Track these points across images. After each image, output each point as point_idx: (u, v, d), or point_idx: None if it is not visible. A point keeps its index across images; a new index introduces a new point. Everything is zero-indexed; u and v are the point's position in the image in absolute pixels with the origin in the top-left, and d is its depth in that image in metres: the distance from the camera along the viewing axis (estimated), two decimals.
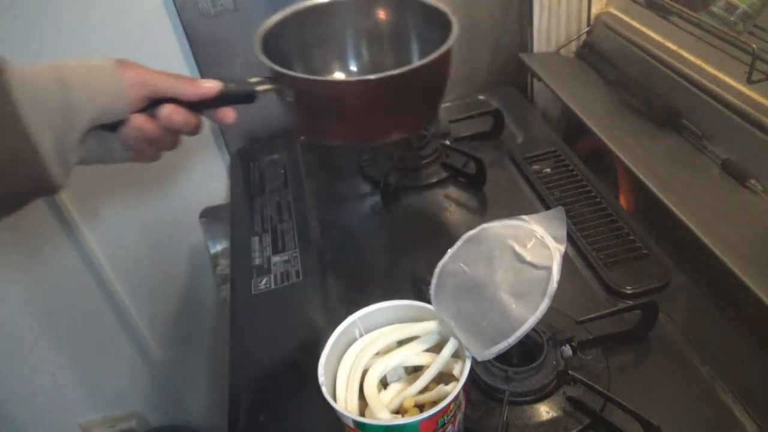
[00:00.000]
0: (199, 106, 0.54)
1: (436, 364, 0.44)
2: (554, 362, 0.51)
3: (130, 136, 0.50)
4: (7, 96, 0.42)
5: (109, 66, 0.49)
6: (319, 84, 0.65)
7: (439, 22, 0.70)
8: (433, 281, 0.47)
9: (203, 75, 0.91)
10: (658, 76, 0.78)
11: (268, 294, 0.68)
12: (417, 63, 0.63)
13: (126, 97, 0.49)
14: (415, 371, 0.47)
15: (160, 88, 0.51)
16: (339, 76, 0.79)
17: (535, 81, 0.99)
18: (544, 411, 0.50)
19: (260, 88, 0.60)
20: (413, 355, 0.45)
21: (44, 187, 0.45)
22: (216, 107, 0.55)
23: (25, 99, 0.43)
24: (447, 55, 0.65)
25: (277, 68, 0.61)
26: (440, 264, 0.48)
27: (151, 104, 0.51)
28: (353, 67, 0.81)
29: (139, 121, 0.50)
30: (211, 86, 0.53)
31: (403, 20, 0.78)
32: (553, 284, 0.42)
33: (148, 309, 1.14)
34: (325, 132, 0.69)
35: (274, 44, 0.67)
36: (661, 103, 0.75)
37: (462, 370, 0.43)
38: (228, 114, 0.56)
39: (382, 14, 0.79)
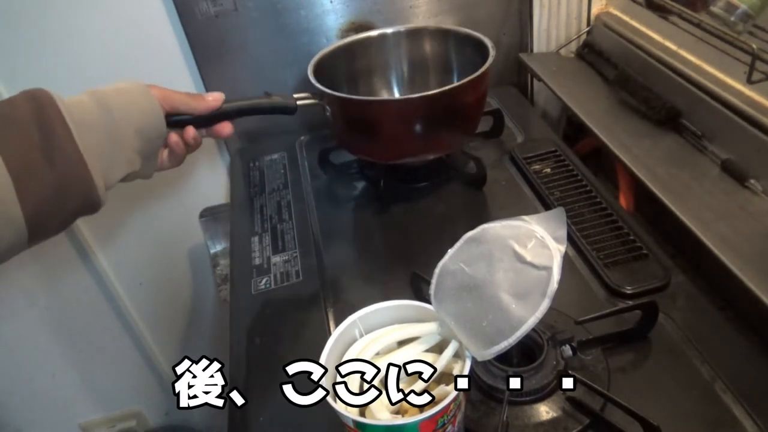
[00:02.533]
0: (237, 114, 0.64)
1: (437, 365, 0.44)
2: (554, 362, 0.51)
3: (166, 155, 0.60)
4: (66, 127, 0.46)
5: (138, 85, 0.54)
6: (350, 101, 0.75)
7: (477, 49, 0.78)
8: (433, 281, 0.47)
9: (203, 76, 0.91)
10: (658, 76, 0.78)
11: (268, 294, 0.68)
12: (437, 90, 0.70)
13: (160, 110, 0.55)
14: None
15: (177, 105, 0.58)
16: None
17: (535, 81, 0.99)
18: (544, 411, 0.50)
19: (301, 102, 0.70)
20: (413, 355, 0.45)
21: (91, 207, 0.50)
22: (257, 114, 0.66)
23: (76, 127, 0.47)
24: (479, 79, 0.73)
25: (319, 86, 0.72)
26: (440, 264, 0.48)
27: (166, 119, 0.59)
28: (397, 93, 0.91)
29: (174, 138, 0.59)
30: (215, 98, 0.62)
31: (444, 49, 0.87)
32: (554, 284, 0.42)
33: (148, 309, 1.14)
34: (358, 146, 0.80)
35: (326, 69, 0.79)
36: (661, 103, 0.75)
37: (462, 371, 0.43)
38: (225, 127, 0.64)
39: (425, 44, 0.89)
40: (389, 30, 0.87)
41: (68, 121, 0.46)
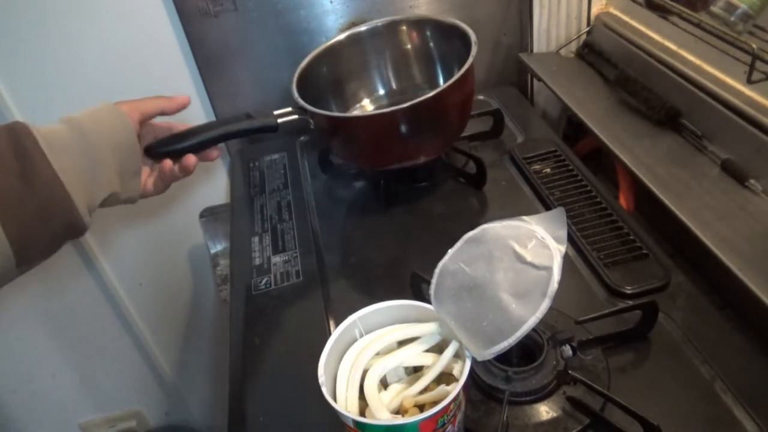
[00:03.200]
0: (221, 140, 0.66)
1: (438, 365, 0.44)
2: (554, 362, 0.51)
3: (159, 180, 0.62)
4: (41, 152, 0.48)
5: (106, 104, 0.56)
6: (331, 118, 0.76)
7: (458, 39, 0.77)
8: (433, 281, 0.47)
9: (203, 76, 0.91)
10: (658, 76, 0.78)
11: (268, 294, 0.68)
12: (419, 99, 0.69)
13: (130, 123, 0.56)
14: (415, 372, 0.47)
15: (148, 110, 0.60)
16: (366, 102, 0.90)
17: (535, 81, 0.99)
18: (544, 411, 0.50)
19: (283, 119, 0.70)
20: (413, 355, 0.45)
21: (75, 231, 0.51)
22: (240, 137, 0.70)
23: (52, 152, 0.49)
24: (463, 79, 0.71)
25: (301, 101, 0.73)
26: (440, 264, 0.48)
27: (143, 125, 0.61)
28: (382, 91, 0.91)
29: (168, 164, 0.62)
30: (184, 97, 0.64)
31: (423, 40, 0.86)
32: (554, 284, 0.42)
33: (148, 309, 1.14)
34: (344, 154, 0.81)
35: (310, 79, 0.79)
36: (661, 103, 0.75)
37: (462, 371, 0.43)
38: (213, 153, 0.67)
39: (402, 38, 0.88)
40: (363, 27, 0.85)
41: (43, 147, 0.48)
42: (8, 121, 0.85)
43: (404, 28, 0.86)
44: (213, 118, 0.94)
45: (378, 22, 0.86)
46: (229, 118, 0.69)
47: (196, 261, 1.11)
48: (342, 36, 0.85)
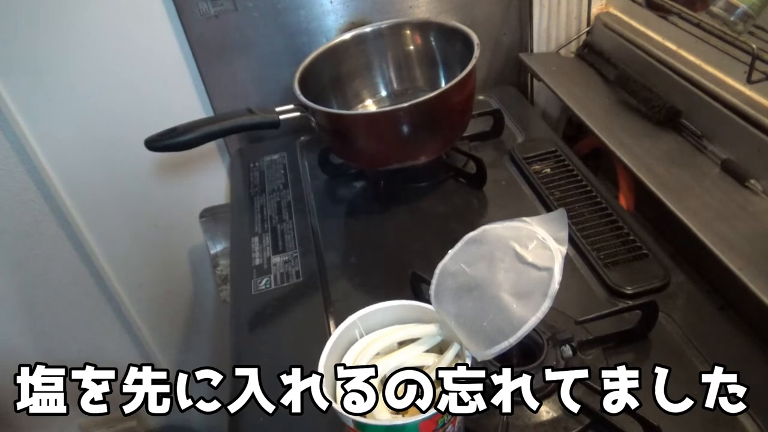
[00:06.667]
0: (221, 135, 0.68)
1: (438, 365, 0.44)
2: (554, 362, 0.51)
3: None
4: None
5: None
6: (332, 115, 0.76)
7: (461, 41, 0.78)
8: (434, 281, 0.47)
9: (203, 76, 0.91)
10: (658, 76, 0.78)
11: (268, 294, 0.68)
12: (420, 98, 0.69)
13: None
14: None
15: None
16: (368, 103, 0.91)
17: (535, 81, 0.99)
18: (544, 411, 0.50)
19: (285, 116, 0.72)
20: (414, 356, 0.45)
21: None
22: (242, 132, 0.71)
23: None
24: (465, 80, 0.72)
25: (303, 99, 0.73)
26: (441, 264, 0.48)
27: None
28: (384, 92, 0.92)
29: None
30: None
31: (426, 43, 0.87)
32: (555, 285, 0.42)
33: (148, 309, 1.14)
34: (345, 153, 0.80)
35: (312, 77, 0.80)
36: (661, 103, 0.75)
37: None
38: None
39: (405, 40, 0.88)
40: (367, 28, 0.86)
41: None
42: (8, 121, 0.86)
43: (407, 30, 0.87)
44: None
45: (382, 23, 0.86)
46: (230, 113, 0.69)
47: (196, 261, 1.11)
48: (347, 35, 0.85)
